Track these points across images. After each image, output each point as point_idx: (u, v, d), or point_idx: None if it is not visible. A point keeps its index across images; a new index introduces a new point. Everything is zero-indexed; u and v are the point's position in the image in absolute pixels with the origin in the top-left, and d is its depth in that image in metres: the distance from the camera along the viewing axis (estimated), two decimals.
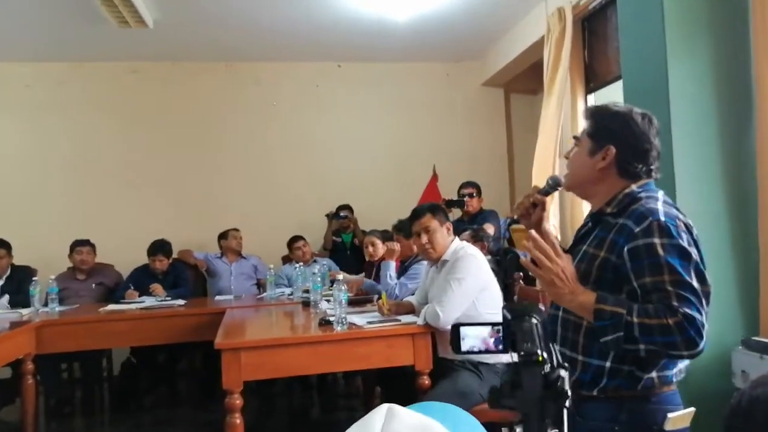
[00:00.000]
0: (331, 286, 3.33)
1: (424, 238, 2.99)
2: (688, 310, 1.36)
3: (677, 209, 1.52)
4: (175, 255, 5.05)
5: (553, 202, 4.12)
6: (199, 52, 5.49)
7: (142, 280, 4.77)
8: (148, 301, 4.36)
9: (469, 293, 2.78)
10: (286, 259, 5.41)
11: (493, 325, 0.97)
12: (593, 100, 4.47)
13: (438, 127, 6.06)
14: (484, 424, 0.74)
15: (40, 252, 4.97)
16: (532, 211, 1.71)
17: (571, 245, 1.68)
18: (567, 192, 1.89)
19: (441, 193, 5.60)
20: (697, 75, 2.68)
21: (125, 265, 5.06)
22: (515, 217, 1.78)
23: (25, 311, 4.02)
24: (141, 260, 4.95)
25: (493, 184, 5.69)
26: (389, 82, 6.03)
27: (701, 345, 1.36)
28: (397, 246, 3.99)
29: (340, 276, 3.16)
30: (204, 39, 5.14)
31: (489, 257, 3.28)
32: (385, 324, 2.88)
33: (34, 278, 4.25)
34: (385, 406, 0.62)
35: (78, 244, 4.80)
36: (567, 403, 0.79)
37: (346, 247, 5.61)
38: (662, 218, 1.44)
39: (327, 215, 5.67)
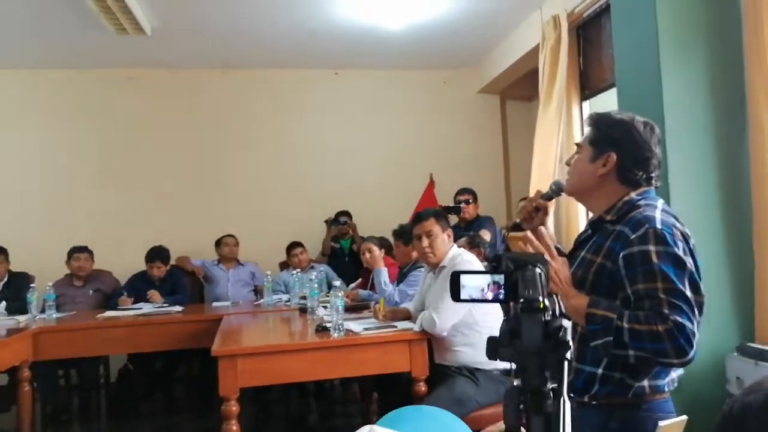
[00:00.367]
0: (329, 292, 3.34)
1: (425, 242, 3.01)
2: (678, 318, 1.37)
3: (675, 218, 1.53)
4: (173, 262, 5.05)
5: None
6: (196, 59, 5.51)
7: (139, 286, 4.78)
8: (146, 308, 4.36)
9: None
10: (284, 266, 5.41)
11: (494, 272, 0.93)
12: (588, 107, 4.50)
13: (434, 133, 6.09)
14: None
15: (38, 258, 4.96)
16: (534, 215, 1.73)
17: (570, 251, 1.69)
18: (564, 200, 1.90)
19: (438, 200, 5.63)
20: (690, 83, 2.71)
21: (123, 271, 5.06)
22: (517, 220, 1.78)
23: (22, 318, 4.01)
24: (138, 267, 4.95)
25: (489, 190, 5.71)
26: (386, 89, 6.06)
27: (691, 354, 1.36)
28: (376, 252, 3.97)
29: (337, 282, 3.17)
30: (201, 46, 5.16)
31: (485, 264, 3.29)
32: (381, 330, 2.89)
33: (31, 285, 4.26)
34: (366, 428, 0.62)
35: (76, 251, 4.80)
36: (568, 355, 0.74)
37: (345, 253, 5.62)
38: (658, 226, 1.45)
39: (326, 221, 5.69)
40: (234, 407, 2.57)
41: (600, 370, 1.49)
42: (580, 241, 1.66)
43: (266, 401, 4.61)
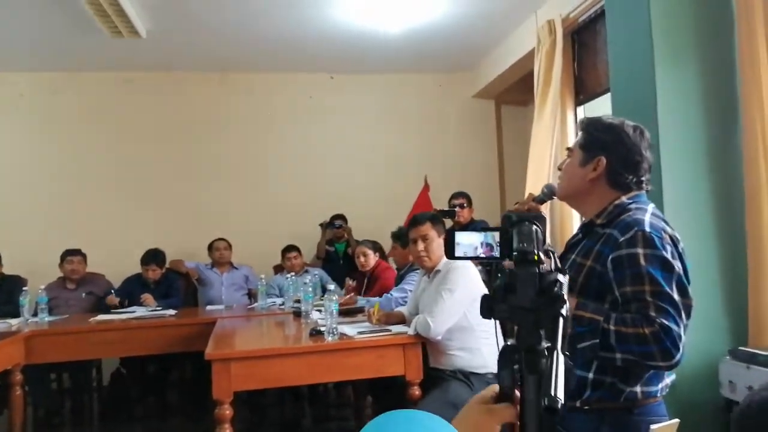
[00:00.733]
0: (323, 296, 3.33)
1: (421, 246, 3.01)
2: (665, 321, 1.37)
3: (665, 221, 1.53)
4: (167, 265, 5.04)
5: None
6: (192, 62, 5.51)
7: (134, 289, 4.76)
8: (139, 311, 4.34)
9: (461, 304, 2.79)
10: (278, 269, 5.40)
11: (490, 229, 0.93)
12: (582, 112, 4.52)
13: (430, 137, 6.10)
14: None
15: (31, 262, 4.94)
16: None
17: (561, 254, 1.69)
18: (558, 203, 1.91)
19: (432, 204, 5.63)
20: (684, 88, 2.72)
21: (116, 274, 5.04)
22: None
23: (14, 321, 3.99)
24: (132, 270, 4.94)
25: (483, 194, 5.72)
26: (381, 93, 6.07)
27: (677, 357, 1.37)
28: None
29: (331, 286, 3.16)
30: (197, 49, 5.15)
31: (480, 267, 3.29)
32: (375, 334, 2.88)
33: (24, 288, 4.23)
34: None
35: (69, 254, 4.78)
36: (563, 311, 0.71)
37: (339, 256, 5.62)
38: (647, 229, 1.46)
39: (321, 224, 5.68)
40: (227, 411, 2.56)
41: (591, 375, 1.49)
42: (571, 245, 1.67)
43: (260, 405, 4.59)
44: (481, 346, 2.79)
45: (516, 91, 5.72)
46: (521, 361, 0.72)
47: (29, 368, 3.73)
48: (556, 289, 0.72)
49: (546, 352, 0.70)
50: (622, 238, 1.47)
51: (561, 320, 0.70)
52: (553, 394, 0.63)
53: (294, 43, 5.03)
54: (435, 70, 6.04)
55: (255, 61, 5.53)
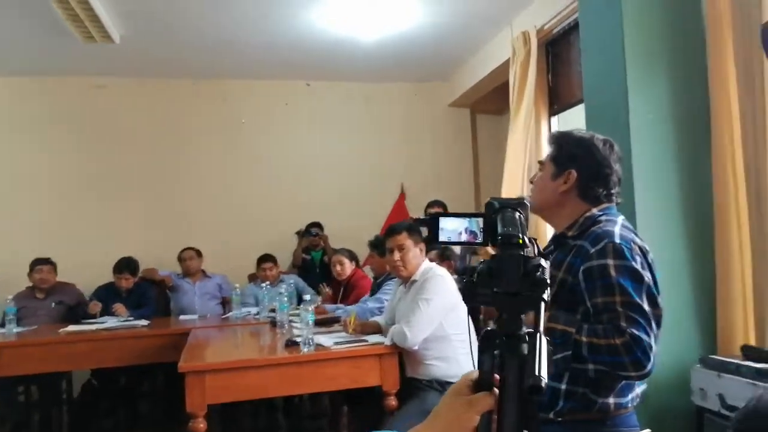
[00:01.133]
0: (299, 304, 3.31)
1: (397, 256, 3.01)
2: (635, 331, 1.39)
3: (635, 233, 1.56)
4: (140, 273, 4.96)
5: None
6: (166, 68, 5.45)
7: (106, 297, 4.67)
8: (110, 322, 4.25)
9: (437, 313, 2.80)
10: (253, 277, 5.35)
11: (474, 215, 0.94)
12: (556, 122, 4.57)
13: (406, 146, 6.11)
14: None
15: None
16: None
17: None
18: (531, 218, 1.92)
19: (409, 212, 5.65)
20: (655, 102, 2.77)
21: (87, 284, 4.94)
22: None
23: None
24: (103, 279, 4.85)
25: (459, 202, 5.74)
26: (358, 101, 6.07)
27: (648, 367, 1.39)
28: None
29: (307, 296, 3.14)
30: (171, 55, 5.10)
31: (455, 276, 3.30)
32: (352, 345, 2.87)
33: None
34: None
35: (38, 263, 4.67)
36: (545, 296, 0.72)
37: (316, 264, 5.58)
38: (617, 240, 1.48)
39: (297, 232, 5.65)
40: (201, 424, 2.52)
41: (563, 386, 1.50)
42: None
43: (234, 417, 4.53)
44: (457, 355, 2.80)
45: (491, 100, 5.77)
46: (503, 345, 0.73)
47: None
48: (539, 273, 0.73)
49: (528, 337, 0.70)
50: (592, 250, 1.49)
51: (543, 304, 0.71)
52: (537, 374, 0.65)
53: (269, 50, 5.01)
54: (411, 79, 6.07)
55: (230, 67, 5.49)
